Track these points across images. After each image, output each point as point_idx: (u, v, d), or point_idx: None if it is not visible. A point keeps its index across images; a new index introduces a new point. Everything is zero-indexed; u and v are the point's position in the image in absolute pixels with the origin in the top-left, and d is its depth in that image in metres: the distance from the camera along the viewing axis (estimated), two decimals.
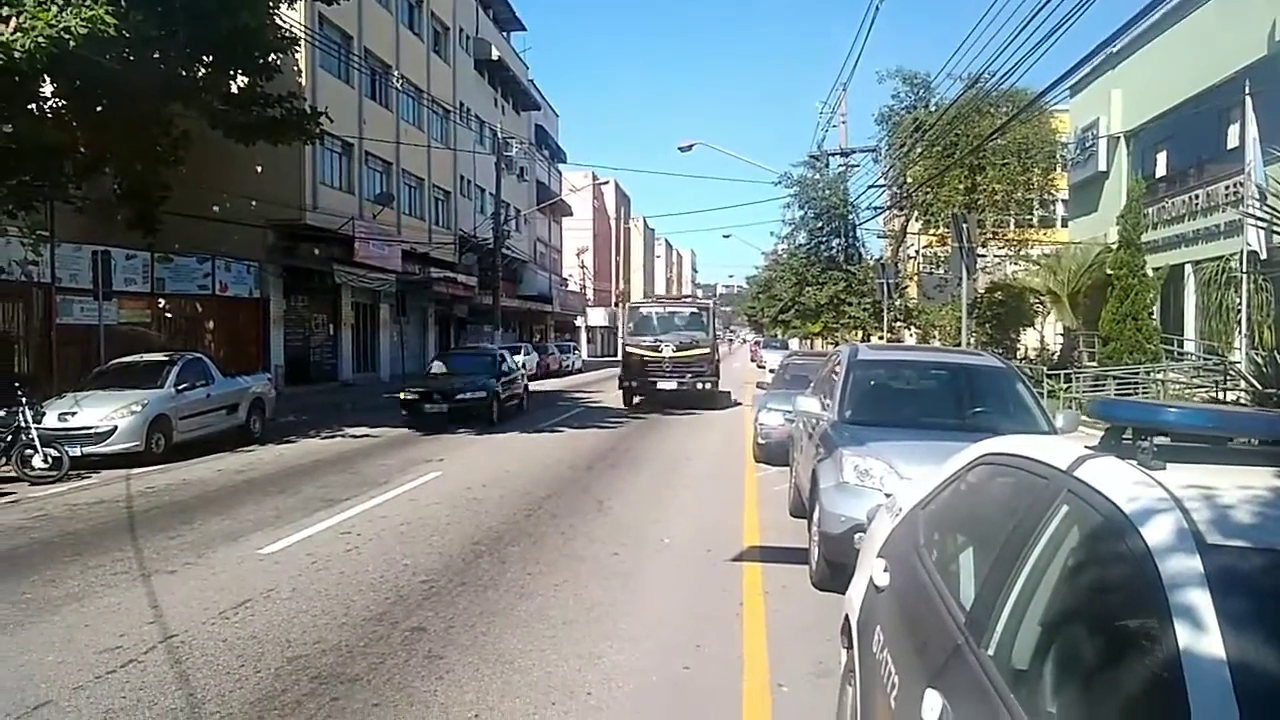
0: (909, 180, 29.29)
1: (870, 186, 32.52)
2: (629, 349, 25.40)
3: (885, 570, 3.38)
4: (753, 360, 52.45)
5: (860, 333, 32.12)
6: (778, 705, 4.98)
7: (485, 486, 12.03)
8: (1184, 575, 1.76)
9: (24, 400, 13.17)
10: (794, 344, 46.41)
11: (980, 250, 29.67)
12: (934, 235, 32.98)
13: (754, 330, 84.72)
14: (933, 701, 2.33)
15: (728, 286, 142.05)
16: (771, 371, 24.46)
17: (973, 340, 26.53)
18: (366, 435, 18.20)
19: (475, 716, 4.82)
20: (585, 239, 77.98)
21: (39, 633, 6.27)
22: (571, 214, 70.51)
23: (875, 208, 33.48)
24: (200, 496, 11.57)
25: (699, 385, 24.54)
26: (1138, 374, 20.40)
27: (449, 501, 11.06)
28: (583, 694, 5.14)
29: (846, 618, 3.77)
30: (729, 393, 27.95)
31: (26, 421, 13.00)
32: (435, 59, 40.95)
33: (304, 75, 27.54)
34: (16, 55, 12.62)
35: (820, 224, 33.80)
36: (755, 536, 9.28)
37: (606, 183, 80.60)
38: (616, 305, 71.61)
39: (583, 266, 77.49)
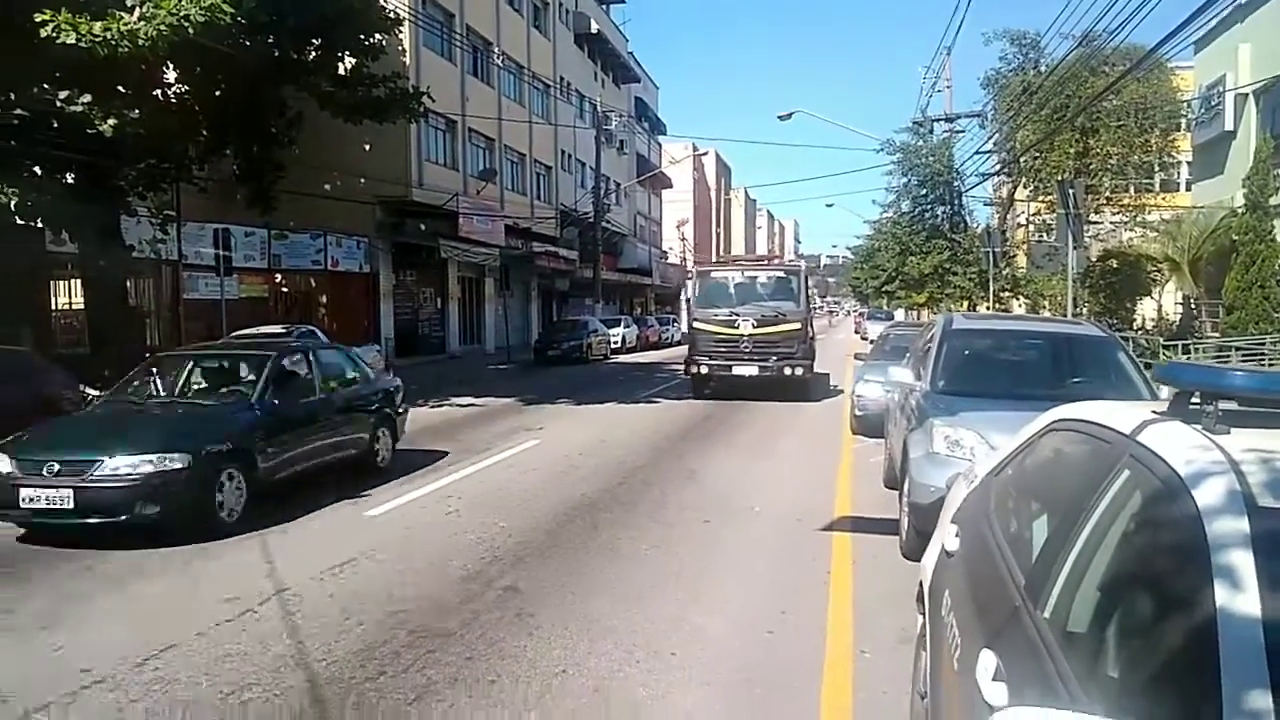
0: (1016, 145, 28.23)
1: (976, 153, 31.53)
2: (697, 324, 19.43)
3: (956, 535, 3.40)
4: (856, 332, 51.62)
5: (966, 303, 31.34)
6: (859, 670, 5.03)
7: (581, 454, 12.29)
8: (1229, 536, 1.77)
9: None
10: (899, 315, 45.55)
11: (1094, 217, 28.58)
12: (1043, 202, 31.80)
13: (859, 301, 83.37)
14: (987, 661, 2.37)
15: (832, 257, 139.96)
16: (872, 342, 23.91)
17: (1085, 310, 25.63)
18: (471, 404, 18.73)
19: (562, 671, 5.01)
20: (685, 211, 77.77)
21: (168, 583, 6.79)
22: (671, 186, 70.42)
23: (981, 174, 32.46)
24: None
25: (787, 371, 18.54)
26: (1263, 344, 19.40)
27: (546, 468, 11.35)
28: (666, 654, 5.28)
29: (920, 583, 3.80)
30: (827, 375, 22.45)
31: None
32: (535, 34, 41.34)
33: (408, 54, 28.20)
34: (141, 43, 13.30)
35: (924, 192, 32.99)
36: (847, 507, 9.27)
37: (706, 154, 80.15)
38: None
39: (683, 239, 77.36)
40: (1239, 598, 1.64)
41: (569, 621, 5.80)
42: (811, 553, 7.55)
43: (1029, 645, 2.26)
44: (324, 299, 28.53)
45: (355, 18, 17.89)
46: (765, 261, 24.74)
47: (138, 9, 13.64)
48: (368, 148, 26.59)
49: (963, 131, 32.20)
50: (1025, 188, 32.79)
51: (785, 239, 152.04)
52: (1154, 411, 2.55)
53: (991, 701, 2.21)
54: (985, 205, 36.63)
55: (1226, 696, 1.51)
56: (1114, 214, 31.21)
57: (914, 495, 6.90)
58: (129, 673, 5.04)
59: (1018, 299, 32.81)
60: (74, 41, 12.68)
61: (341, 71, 19.37)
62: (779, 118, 33.66)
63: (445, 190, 30.97)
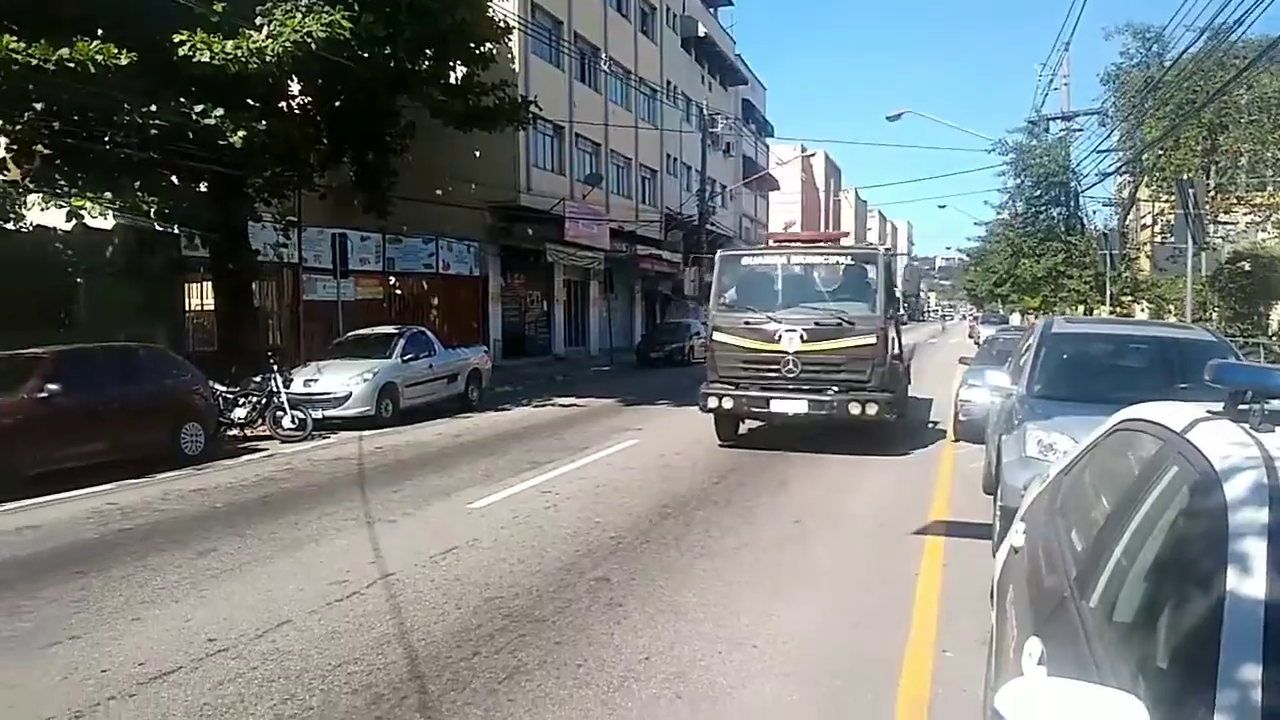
0: (1138, 142, 27.11)
1: (1094, 151, 30.44)
2: (719, 336, 12.83)
3: (1022, 533, 3.46)
4: (970, 337, 50.32)
5: (1081, 307, 30.28)
6: (938, 669, 5.07)
7: (678, 454, 12.49)
8: (1248, 525, 1.83)
9: (276, 368, 14.84)
10: (1015, 319, 44.27)
11: (1223, 217, 27.22)
12: (1166, 201, 30.44)
13: (973, 304, 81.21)
14: (1033, 647, 2.45)
15: (946, 258, 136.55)
16: (978, 344, 23.28)
17: (1214, 315, 24.48)
18: (574, 405, 19.13)
19: (646, 659, 5.20)
20: (793, 213, 77.15)
21: (284, 566, 7.25)
22: (779, 188, 70.01)
23: (1101, 173, 31.31)
24: (420, 457, 12.69)
25: (854, 409, 11.96)
26: None
27: (643, 467, 11.59)
28: (749, 646, 5.41)
29: (992, 580, 3.85)
30: (929, 404, 17.26)
31: (278, 387, 14.65)
32: (643, 39, 41.76)
33: (517, 62, 28.91)
34: (268, 59, 14.12)
35: (1039, 192, 32.02)
36: (943, 511, 9.19)
37: (814, 155, 79.35)
38: None
39: None
40: (1247, 581, 1.71)
41: (656, 613, 5.99)
42: (902, 555, 7.55)
43: (1072, 633, 2.34)
44: (435, 301, 29.47)
45: (467, 28, 18.50)
46: (825, 244, 15.12)
47: (265, 28, 14.50)
48: (478, 154, 27.36)
49: (1081, 130, 31.15)
50: (1148, 187, 31.49)
51: (898, 241, 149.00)
52: (1208, 411, 2.58)
53: None
54: (1105, 205, 35.32)
55: (1221, 670, 1.59)
56: (1246, 214, 29.68)
57: (1005, 498, 6.85)
58: (248, 644, 5.46)
59: (1139, 303, 31.52)
60: (208, 59, 13.57)
61: (453, 81, 20.05)
62: (888, 118, 33.23)
63: (552, 195, 31.62)
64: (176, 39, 13.53)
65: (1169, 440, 2.56)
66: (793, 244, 14.41)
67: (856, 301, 12.28)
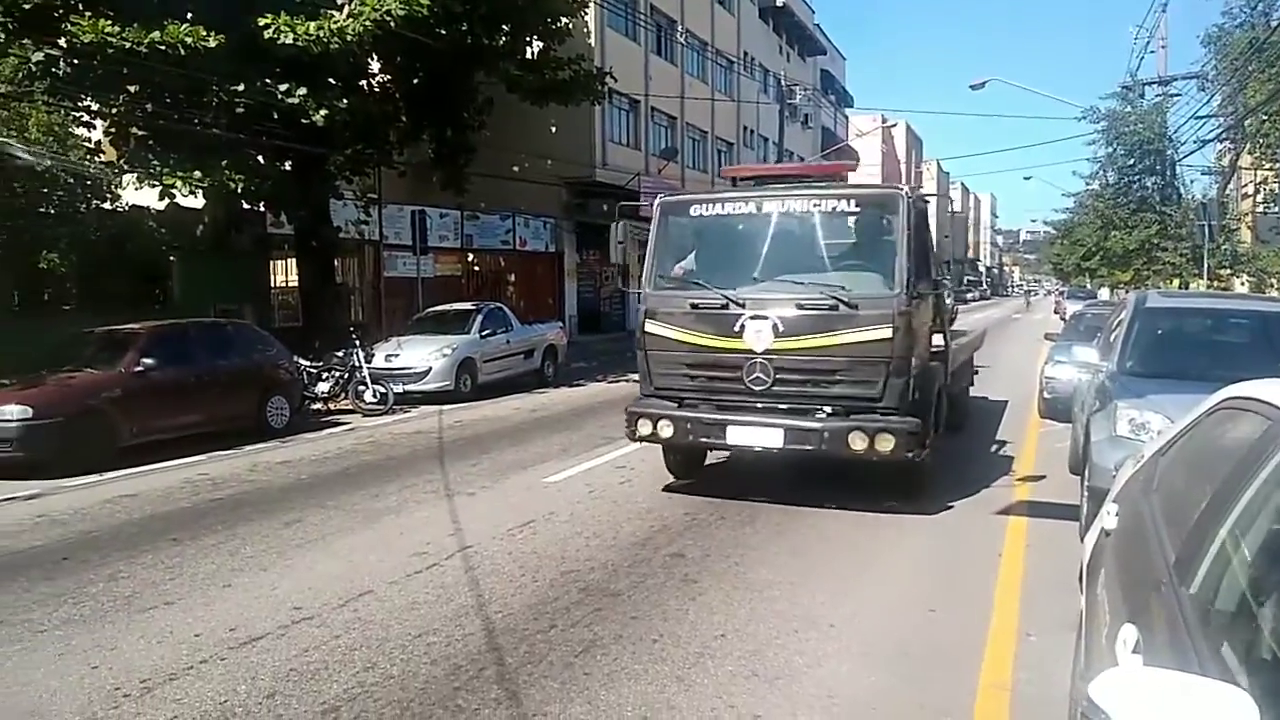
0: (1240, 107, 25.81)
1: (1193, 117, 29.10)
2: (655, 326, 8.38)
3: (1115, 515, 3.32)
4: (1056, 313, 48.80)
5: (1176, 281, 29.12)
6: (1021, 652, 4.94)
7: None
8: None
9: (358, 343, 15.16)
10: (1103, 293, 42.83)
11: None
12: (1270, 169, 29.03)
13: (1058, 279, 78.77)
14: (1127, 634, 2.35)
15: (1031, 232, 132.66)
16: (1064, 320, 22.53)
17: None
18: None
19: (721, 635, 5.18)
20: None
21: (366, 537, 7.42)
22: (858, 159, 68.73)
23: (1199, 141, 29.97)
24: (497, 431, 12.85)
25: (858, 443, 7.50)
26: None
27: None
28: (825, 625, 5.35)
29: (1081, 563, 3.72)
30: (1000, 408, 13.92)
31: (360, 362, 14.97)
32: (719, 10, 41.25)
33: (593, 36, 28.82)
34: (349, 39, 14.33)
35: (1132, 161, 30.79)
36: (1027, 491, 8.95)
37: (895, 125, 77.71)
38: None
39: None
40: None
41: (731, 590, 5.96)
42: (984, 535, 7.36)
43: (1169, 621, 2.23)
44: (512, 278, 29.75)
45: (543, 3, 18.51)
46: (817, 181, 9.18)
47: (346, 7, 14.70)
48: (554, 130, 27.40)
49: (1178, 95, 29.82)
50: (1250, 154, 30.04)
51: (981, 213, 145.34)
52: None
53: None
54: (1204, 174, 33.81)
55: None
56: None
57: (1094, 479, 6.61)
58: (332, 612, 5.60)
59: (1238, 277, 30.18)
60: (292, 41, 13.82)
61: (529, 56, 20.09)
62: (971, 87, 32.22)
63: (628, 170, 31.53)
64: (261, 21, 13.81)
65: (1278, 420, 2.41)
66: (768, 182, 9.18)
67: (865, 271, 7.88)
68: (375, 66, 19.06)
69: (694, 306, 8.03)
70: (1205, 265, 26.73)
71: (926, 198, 10.25)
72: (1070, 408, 11.06)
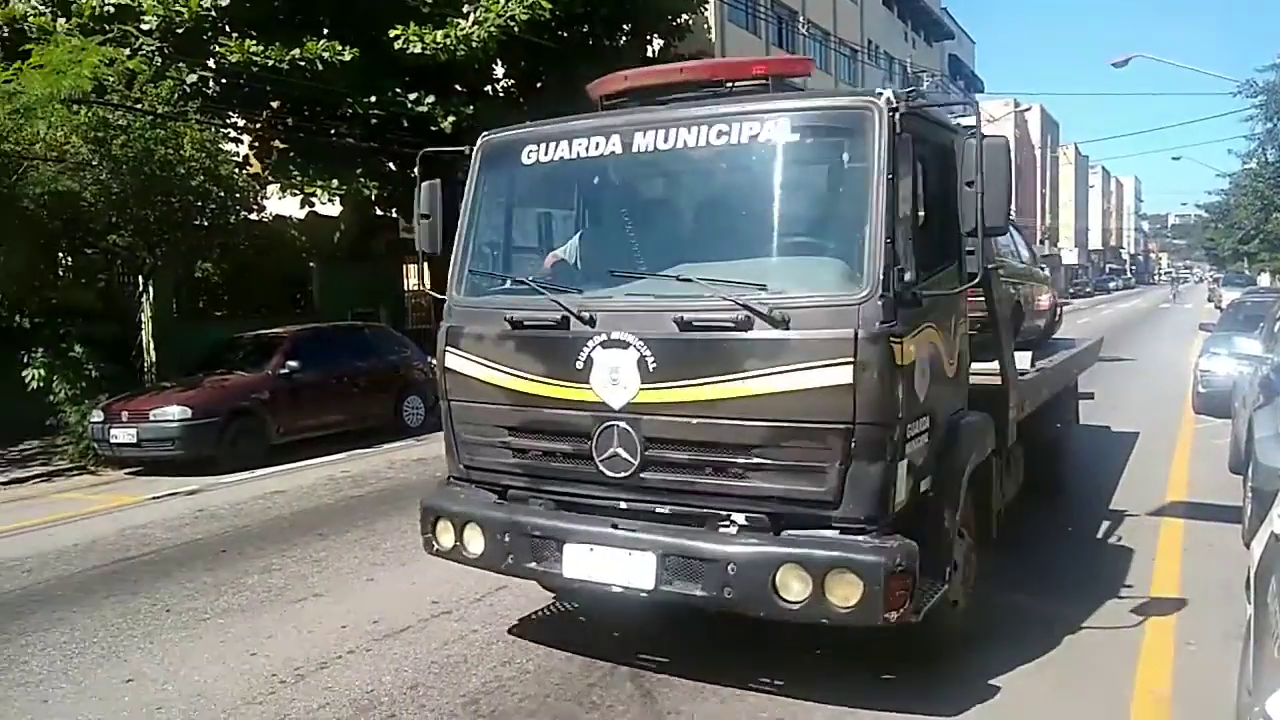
0: None
1: None
2: (457, 358, 4.86)
3: None
4: (1209, 300, 45.89)
5: None
6: (1180, 662, 4.66)
7: None
8: None
9: None
10: (1263, 279, 40.22)
11: None
12: None
13: (1213, 265, 74.36)
14: None
15: (1181, 216, 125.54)
16: (1220, 310, 21.13)
17: None
18: None
19: None
20: None
21: None
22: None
23: None
24: None
25: (791, 588, 3.89)
26: None
27: None
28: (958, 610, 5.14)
29: (1249, 570, 3.48)
30: (1129, 443, 10.51)
31: None
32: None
33: (713, 31, 28.72)
34: (474, 45, 14.72)
35: None
36: (1182, 491, 8.46)
37: (1029, 109, 74.61)
38: (1042, 242, 66.29)
39: None
40: None
41: None
42: (1137, 537, 6.97)
43: None
44: None
45: (663, 0, 18.58)
46: (734, 91, 4.62)
47: (471, 14, 15.11)
48: None
49: None
50: None
51: (1124, 198, 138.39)
52: None
53: None
54: None
55: None
56: None
57: (1258, 479, 6.20)
58: (468, 607, 5.76)
59: None
60: (420, 50, 14.30)
61: (650, 54, 20.17)
62: (1113, 65, 30.58)
63: None
64: (392, 33, 14.33)
65: None
66: (653, 97, 4.87)
67: (809, 255, 4.44)
68: (500, 71, 19.49)
69: (514, 326, 4.58)
70: None
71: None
72: (1228, 403, 10.41)
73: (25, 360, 11.80)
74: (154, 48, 13.80)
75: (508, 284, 4.93)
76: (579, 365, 4.31)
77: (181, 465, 10.73)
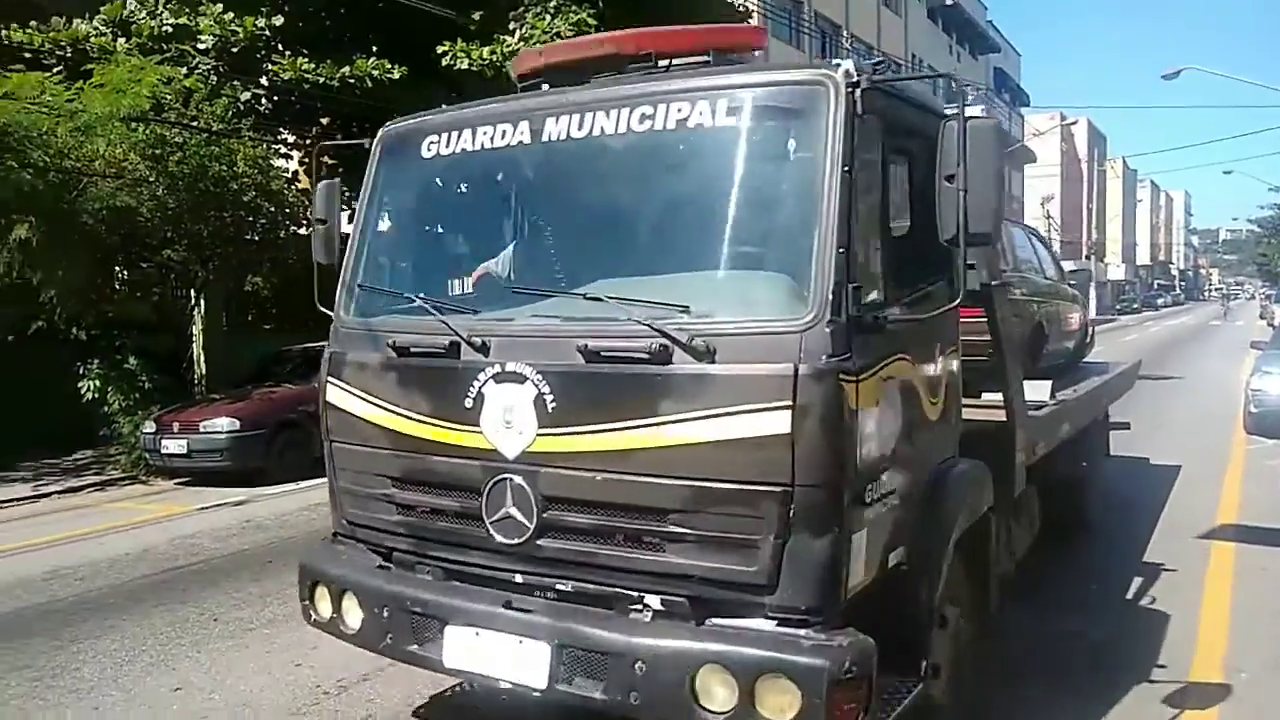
0: None
1: None
2: (339, 392, 4.19)
3: None
4: (1262, 317, 44.78)
5: None
6: (1232, 692, 4.57)
7: None
8: None
9: None
10: None
11: None
12: None
13: (1265, 280, 72.78)
14: None
15: (1232, 231, 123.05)
16: (1273, 327, 20.63)
17: None
18: None
19: None
20: (1051, 186, 72.04)
21: None
22: (1035, 160, 65.63)
23: None
24: None
25: (720, 698, 3.08)
26: None
27: None
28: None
29: None
30: (1169, 479, 9.58)
31: None
32: (885, 12, 40.47)
33: None
34: None
35: None
36: (1233, 514, 8.29)
37: (1076, 123, 73.67)
38: (1088, 257, 65.34)
39: (1048, 216, 71.79)
40: None
41: None
42: (1184, 561, 6.84)
43: None
44: None
45: (705, 14, 18.66)
46: (663, 64, 3.81)
47: (517, 31, 15.29)
48: None
49: None
50: None
51: (1173, 213, 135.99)
52: None
53: None
54: None
55: None
56: None
57: None
58: None
59: None
60: (467, 66, 14.49)
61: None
62: (1163, 78, 30.23)
63: None
64: (440, 50, 14.54)
65: None
66: (582, 74, 4.02)
67: (745, 269, 3.56)
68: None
69: (399, 353, 3.85)
70: None
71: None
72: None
73: (81, 372, 12.11)
74: (210, 66, 14.14)
75: (403, 302, 4.01)
76: (468, 403, 3.55)
77: (230, 476, 10.92)
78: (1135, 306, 71.63)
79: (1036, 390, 5.35)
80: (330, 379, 4.18)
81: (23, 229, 11.04)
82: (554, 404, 3.35)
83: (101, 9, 13.88)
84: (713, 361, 3.12)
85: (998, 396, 4.60)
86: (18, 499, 10.89)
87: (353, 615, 3.91)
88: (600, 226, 3.96)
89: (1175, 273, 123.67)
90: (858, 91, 3.16)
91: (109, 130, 11.47)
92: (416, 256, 4.48)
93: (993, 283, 4.27)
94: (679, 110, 3.41)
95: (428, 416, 3.70)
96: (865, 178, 3.24)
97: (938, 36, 47.09)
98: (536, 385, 3.39)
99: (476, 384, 3.52)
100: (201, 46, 14.19)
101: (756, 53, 4.11)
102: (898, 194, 3.62)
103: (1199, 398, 16.45)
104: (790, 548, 3.04)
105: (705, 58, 3.75)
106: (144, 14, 14.00)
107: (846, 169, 3.08)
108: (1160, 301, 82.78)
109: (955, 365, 4.05)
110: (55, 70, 12.61)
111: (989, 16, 54.55)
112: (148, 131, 12.01)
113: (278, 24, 14.53)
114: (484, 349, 3.54)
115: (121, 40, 13.93)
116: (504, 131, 3.81)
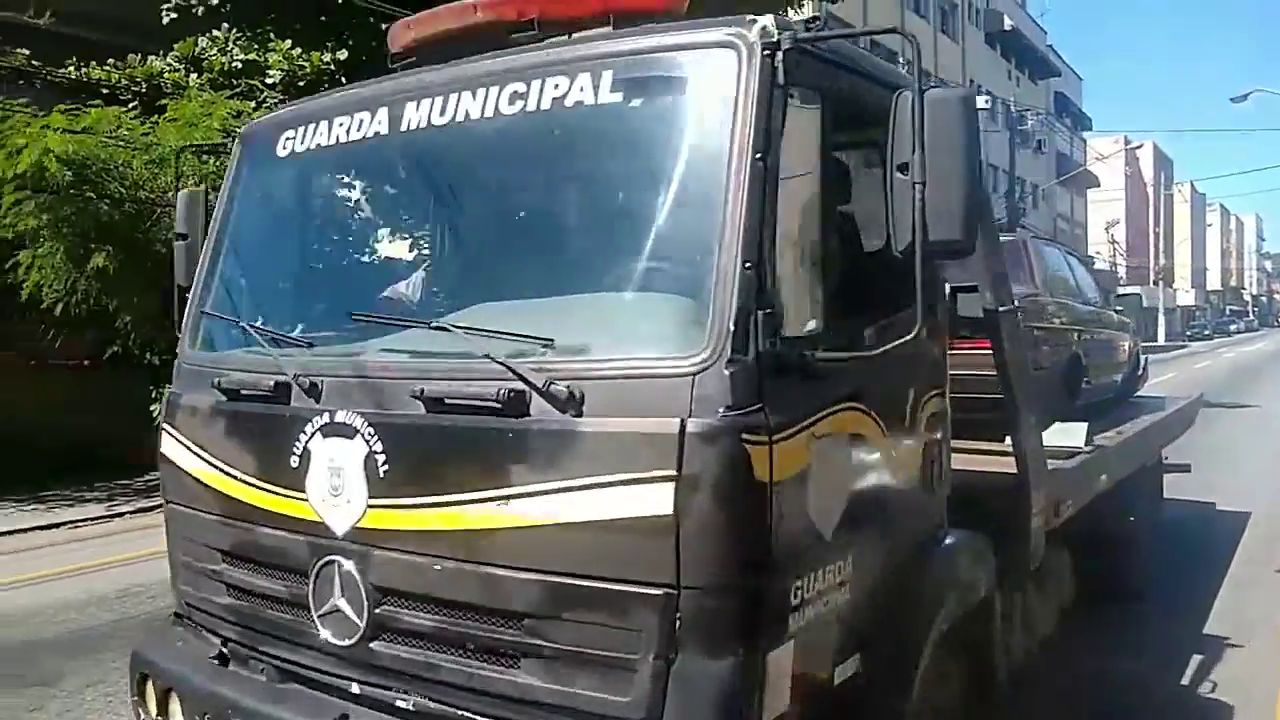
0: None
1: None
2: (172, 450, 3.44)
3: None
4: None
5: None
6: None
7: None
8: None
9: None
10: None
11: None
12: None
13: None
14: None
15: None
16: None
17: None
18: None
19: None
20: (1115, 211, 70.69)
21: None
22: (1098, 185, 64.54)
23: None
24: None
25: None
26: None
27: None
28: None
29: None
30: (1238, 526, 8.49)
31: None
32: (943, 39, 40.26)
33: None
34: None
35: None
36: None
37: (1141, 146, 72.38)
38: (1155, 283, 63.87)
39: (1112, 241, 70.41)
40: None
41: None
42: (1257, 631, 6.01)
43: None
44: None
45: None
46: (552, 43, 2.90)
47: None
48: None
49: None
50: None
51: (1244, 237, 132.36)
52: None
53: None
54: None
55: None
56: None
57: None
58: None
59: None
60: None
61: None
62: (1232, 100, 29.76)
63: None
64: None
65: None
66: (460, 50, 3.06)
67: (640, 287, 2.59)
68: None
69: (226, 394, 3.17)
70: None
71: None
72: None
73: (154, 395, 12.45)
74: (278, 100, 14.57)
75: (246, 333, 3.25)
76: (294, 461, 2.80)
77: None
78: (1207, 333, 69.80)
79: (1068, 435, 4.54)
80: (165, 426, 3.48)
81: (100, 258, 11.44)
82: (386, 466, 2.60)
83: (175, 46, 14.44)
84: (579, 414, 2.34)
85: (1006, 444, 3.71)
86: (92, 518, 11.20)
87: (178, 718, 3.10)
88: (472, 235, 3.31)
89: (1248, 298, 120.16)
90: (778, 55, 2.39)
91: (182, 162, 11.87)
92: (272, 277, 3.69)
93: (1000, 308, 3.51)
94: (555, 86, 2.63)
95: (253, 476, 2.98)
96: (794, 168, 2.49)
97: (997, 62, 46.69)
98: (367, 441, 2.62)
99: (303, 437, 2.77)
100: (270, 81, 14.64)
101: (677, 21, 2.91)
102: (844, 191, 2.87)
103: (1276, 425, 15.87)
104: (677, 670, 2.23)
105: (605, 22, 2.88)
106: (215, 51, 14.51)
107: (759, 157, 2.32)
108: (1233, 327, 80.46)
109: (939, 413, 3.18)
110: (131, 105, 13.10)
111: (1049, 41, 53.96)
112: (219, 164, 12.39)
113: (342, 58, 14.95)
114: (314, 392, 2.80)
115: (194, 76, 14.44)
116: (361, 121, 3.07)
